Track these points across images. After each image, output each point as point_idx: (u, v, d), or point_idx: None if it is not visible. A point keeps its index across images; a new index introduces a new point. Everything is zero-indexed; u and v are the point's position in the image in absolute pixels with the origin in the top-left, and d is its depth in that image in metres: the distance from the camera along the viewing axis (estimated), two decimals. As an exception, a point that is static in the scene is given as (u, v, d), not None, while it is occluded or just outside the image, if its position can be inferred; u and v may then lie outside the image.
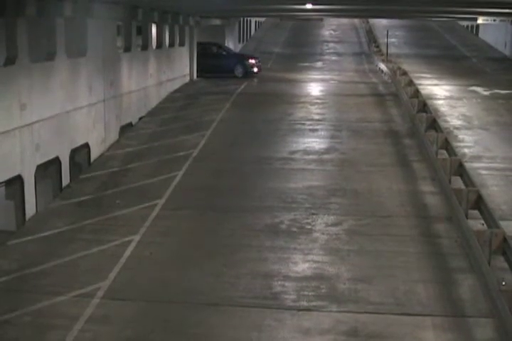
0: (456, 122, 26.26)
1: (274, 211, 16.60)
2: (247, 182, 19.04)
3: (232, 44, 46.66)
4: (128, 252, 14.12)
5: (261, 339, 10.85)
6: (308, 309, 11.83)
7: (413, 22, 61.91)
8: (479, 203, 14.88)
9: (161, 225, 15.77)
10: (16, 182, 16.35)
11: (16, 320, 11.32)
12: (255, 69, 39.48)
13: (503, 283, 11.63)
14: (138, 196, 17.62)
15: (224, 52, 40.09)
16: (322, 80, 37.76)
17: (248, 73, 38.96)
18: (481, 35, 57.22)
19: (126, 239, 14.77)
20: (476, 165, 20.15)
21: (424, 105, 25.49)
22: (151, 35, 29.48)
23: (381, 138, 23.75)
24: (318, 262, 13.75)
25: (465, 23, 60.59)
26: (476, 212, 14.90)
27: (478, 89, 34.16)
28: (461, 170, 17.37)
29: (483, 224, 14.32)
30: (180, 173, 19.48)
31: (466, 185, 16.42)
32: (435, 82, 36.75)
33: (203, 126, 25.19)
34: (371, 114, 27.78)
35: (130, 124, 25.36)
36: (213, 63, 38.84)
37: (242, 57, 40.13)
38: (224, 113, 27.59)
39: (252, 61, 39.64)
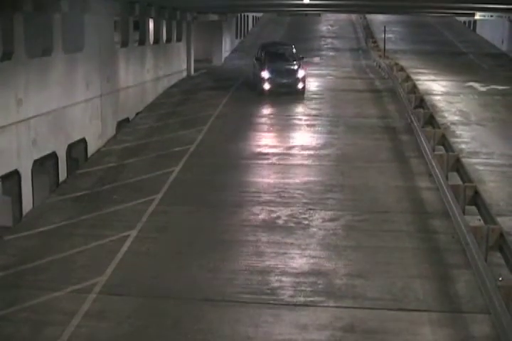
0: (453, 118, 26.27)
1: (271, 206, 16.60)
2: (244, 177, 19.04)
3: (229, 40, 46.61)
4: (125, 247, 14.11)
5: (258, 335, 10.86)
6: (305, 304, 11.85)
7: (410, 18, 61.82)
8: (476, 199, 14.89)
9: (157, 220, 15.76)
10: (13, 178, 16.33)
11: (13, 316, 11.31)
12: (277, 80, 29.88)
13: (500, 279, 11.66)
14: (135, 191, 17.61)
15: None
16: (319, 75, 37.68)
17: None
18: (478, 31, 57.15)
19: (123, 234, 14.76)
20: (473, 160, 20.17)
21: (421, 101, 25.48)
22: (148, 30, 29.44)
23: (378, 133, 23.75)
24: (315, 257, 13.75)
25: (462, 19, 60.54)
26: (473, 208, 14.91)
27: (475, 85, 34.15)
28: (458, 166, 17.38)
29: (480, 220, 14.33)
30: (177, 169, 19.47)
31: (463, 181, 16.44)
32: (432, 77, 36.74)
33: (200, 121, 25.16)
34: (368, 109, 27.76)
35: (127, 120, 25.33)
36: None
37: None
38: (221, 108, 27.56)
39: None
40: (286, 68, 30.02)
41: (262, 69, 29.71)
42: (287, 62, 30.68)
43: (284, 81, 29.77)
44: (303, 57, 32.01)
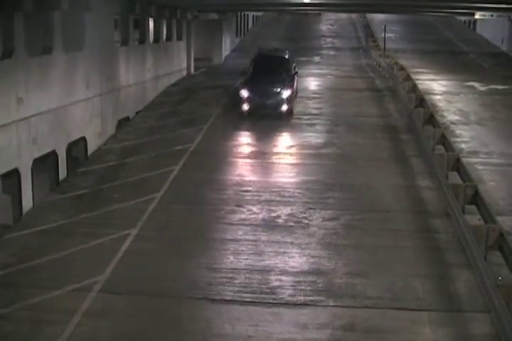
0: (453, 117, 26.28)
1: (271, 205, 16.61)
2: (245, 176, 19.05)
3: (229, 38, 46.59)
4: (125, 246, 14.11)
5: (258, 334, 10.87)
6: (305, 304, 11.85)
7: (411, 17, 61.78)
8: (476, 198, 14.90)
9: (158, 219, 15.76)
10: (13, 176, 16.33)
11: (13, 315, 11.30)
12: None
13: (500, 278, 11.67)
14: (135, 190, 17.60)
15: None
16: (320, 75, 37.70)
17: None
18: (478, 30, 57.14)
19: (124, 232, 14.76)
20: (473, 160, 20.18)
21: (421, 100, 25.48)
22: (148, 29, 29.43)
23: (378, 133, 23.76)
24: (315, 257, 13.76)
25: (463, 18, 60.54)
26: (473, 207, 14.92)
27: (476, 84, 34.16)
28: (458, 166, 17.39)
29: (480, 219, 14.33)
30: (178, 167, 19.47)
31: (463, 180, 16.44)
32: (432, 77, 36.73)
33: (200, 120, 25.13)
34: (368, 108, 27.77)
35: (127, 118, 25.33)
36: None
37: None
38: (221, 107, 27.54)
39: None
40: (270, 86, 25.36)
41: (243, 87, 25.74)
42: (274, 78, 25.86)
43: (266, 101, 25.12)
44: (296, 72, 27.65)
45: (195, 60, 38.05)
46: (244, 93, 25.25)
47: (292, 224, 15.51)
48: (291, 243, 14.43)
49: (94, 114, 21.79)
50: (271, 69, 26.52)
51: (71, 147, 19.82)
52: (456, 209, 14.81)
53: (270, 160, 20.44)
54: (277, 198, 17.16)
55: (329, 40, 56.05)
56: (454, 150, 19.00)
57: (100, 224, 15.35)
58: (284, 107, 25.19)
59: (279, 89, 25.28)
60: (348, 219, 15.80)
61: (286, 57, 27.96)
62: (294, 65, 27.84)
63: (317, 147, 21.83)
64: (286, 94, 25.25)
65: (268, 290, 12.30)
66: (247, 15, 55.64)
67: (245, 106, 25.21)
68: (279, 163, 20.24)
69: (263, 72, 26.21)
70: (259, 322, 11.21)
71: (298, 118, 25.77)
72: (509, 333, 9.94)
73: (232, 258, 13.69)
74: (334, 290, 12.33)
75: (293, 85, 26.23)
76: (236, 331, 10.96)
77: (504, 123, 25.38)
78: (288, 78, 26.24)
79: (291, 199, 17.07)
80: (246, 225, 15.45)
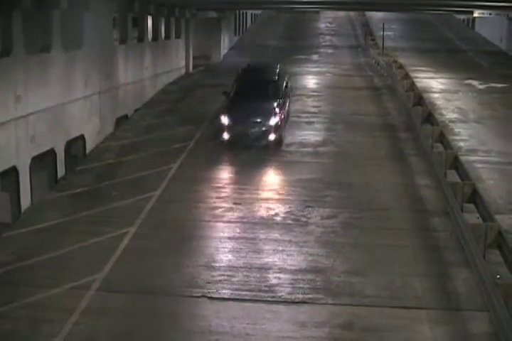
0: (451, 116, 26.27)
1: (270, 203, 16.60)
2: (243, 174, 19.03)
3: (227, 37, 46.55)
4: (123, 244, 14.11)
5: (257, 332, 10.88)
6: (303, 302, 11.86)
7: (410, 15, 61.71)
8: (475, 197, 14.90)
9: (156, 217, 15.75)
10: (11, 174, 16.32)
11: (11, 313, 11.31)
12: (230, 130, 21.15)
13: (498, 277, 11.67)
14: (134, 188, 17.60)
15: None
16: (318, 73, 37.68)
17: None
18: (477, 28, 57.10)
19: (122, 230, 14.76)
20: (471, 158, 20.17)
21: (420, 98, 25.47)
22: (147, 27, 29.41)
23: (377, 131, 23.74)
24: (313, 255, 13.76)
25: (461, 17, 60.51)
26: (471, 206, 14.92)
27: (474, 82, 34.15)
28: (456, 164, 17.39)
29: (478, 218, 14.34)
30: (176, 166, 19.46)
31: (462, 179, 16.44)
32: (431, 75, 36.71)
33: (198, 118, 25.12)
34: (367, 107, 27.75)
35: (126, 116, 25.32)
36: None
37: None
38: (220, 105, 27.46)
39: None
40: (255, 111, 21.23)
41: (222, 112, 21.78)
42: (260, 100, 21.65)
43: (249, 130, 21.07)
44: (288, 95, 24.05)
45: (193, 58, 38.03)
46: (224, 120, 21.16)
47: (290, 222, 15.52)
48: (290, 241, 14.44)
49: (93, 112, 21.78)
50: (257, 89, 22.33)
51: (69, 145, 19.81)
52: (454, 208, 14.82)
53: (268, 158, 20.40)
54: (276, 196, 17.15)
55: (328, 38, 55.98)
56: (452, 148, 19.00)
57: (98, 223, 15.35)
58: (272, 136, 21.02)
59: (265, 115, 21.13)
60: (347, 218, 15.79)
61: (277, 71, 23.90)
62: (286, 79, 24.39)
63: (316, 145, 21.81)
64: (273, 120, 21.03)
65: (266, 288, 12.31)
66: (246, 13, 55.58)
67: (225, 135, 21.16)
68: (277, 161, 20.21)
69: (247, 93, 22.18)
70: (257, 320, 11.22)
71: (297, 116, 25.74)
72: (508, 331, 9.95)
73: (230, 256, 13.70)
74: (332, 289, 12.33)
75: (283, 108, 22.09)
76: (234, 329, 10.96)
77: (502, 122, 25.38)
78: (277, 99, 21.95)
79: (289, 198, 17.07)
80: (244, 223, 15.45)
